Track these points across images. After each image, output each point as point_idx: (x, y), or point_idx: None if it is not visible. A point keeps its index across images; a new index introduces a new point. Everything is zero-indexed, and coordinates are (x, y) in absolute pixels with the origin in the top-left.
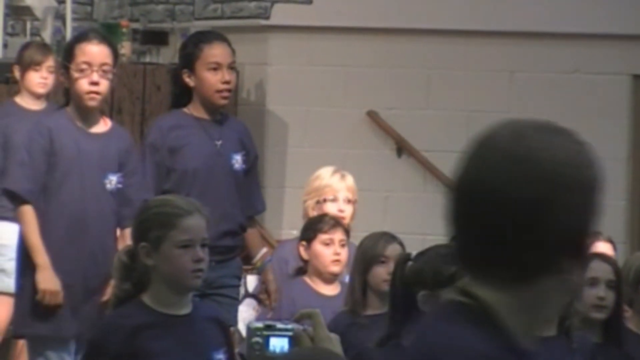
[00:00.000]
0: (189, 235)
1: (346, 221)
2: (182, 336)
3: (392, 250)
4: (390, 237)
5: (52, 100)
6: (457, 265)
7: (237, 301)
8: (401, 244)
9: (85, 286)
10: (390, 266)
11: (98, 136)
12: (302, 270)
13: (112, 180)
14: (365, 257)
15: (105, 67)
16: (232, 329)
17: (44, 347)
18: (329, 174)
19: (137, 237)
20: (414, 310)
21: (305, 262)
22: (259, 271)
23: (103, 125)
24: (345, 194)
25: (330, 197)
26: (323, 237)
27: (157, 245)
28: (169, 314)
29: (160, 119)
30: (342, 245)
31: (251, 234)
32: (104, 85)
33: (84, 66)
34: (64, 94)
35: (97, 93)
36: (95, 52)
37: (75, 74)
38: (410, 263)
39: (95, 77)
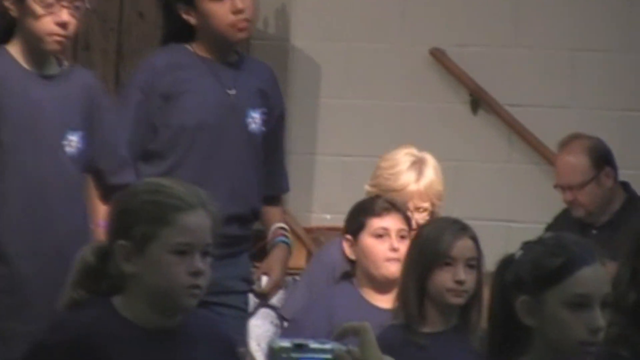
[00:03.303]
0: (188, 237)
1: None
2: (160, 358)
3: (462, 247)
4: (459, 229)
5: None
6: (564, 257)
7: (245, 313)
8: (474, 238)
9: (51, 281)
10: (459, 270)
11: (52, 80)
12: (348, 275)
13: (72, 141)
14: (423, 256)
15: (77, 2)
16: (241, 350)
17: None
18: (405, 166)
19: (115, 231)
20: (513, 323)
21: (353, 263)
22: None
23: (56, 65)
24: (417, 202)
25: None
26: (374, 225)
27: (142, 247)
28: (145, 328)
29: (154, 55)
30: (402, 237)
31: (270, 212)
32: (72, 26)
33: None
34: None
35: (64, 36)
36: None
37: (38, 8)
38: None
39: (64, 15)
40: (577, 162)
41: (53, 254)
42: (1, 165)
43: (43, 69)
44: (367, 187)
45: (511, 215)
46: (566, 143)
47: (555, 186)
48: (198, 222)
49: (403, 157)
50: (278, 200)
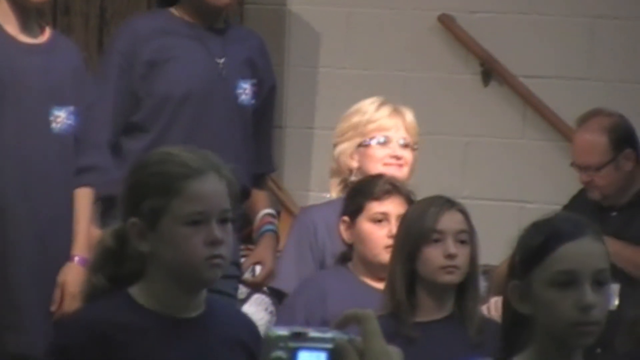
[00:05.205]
0: (200, 205)
1: (402, 175)
2: (185, 349)
3: (449, 219)
4: (445, 202)
5: None
6: (546, 234)
7: (234, 299)
8: (464, 212)
9: (33, 277)
10: (448, 244)
11: (36, 50)
12: (344, 259)
13: (59, 117)
14: (409, 235)
15: None
16: None
17: None
18: (374, 107)
19: (127, 209)
20: (515, 314)
21: (350, 247)
22: (254, 241)
23: (40, 35)
24: (402, 133)
25: (380, 136)
26: (373, 209)
27: (154, 222)
28: (168, 316)
29: (136, 20)
30: None
31: (257, 196)
32: None
33: None
34: None
35: None
36: None
37: None
38: None
39: None
40: (594, 141)
41: (33, 242)
42: None
43: (27, 36)
44: (335, 145)
45: (524, 196)
46: (585, 119)
47: (572, 164)
48: (209, 188)
49: (368, 101)
50: (264, 182)
